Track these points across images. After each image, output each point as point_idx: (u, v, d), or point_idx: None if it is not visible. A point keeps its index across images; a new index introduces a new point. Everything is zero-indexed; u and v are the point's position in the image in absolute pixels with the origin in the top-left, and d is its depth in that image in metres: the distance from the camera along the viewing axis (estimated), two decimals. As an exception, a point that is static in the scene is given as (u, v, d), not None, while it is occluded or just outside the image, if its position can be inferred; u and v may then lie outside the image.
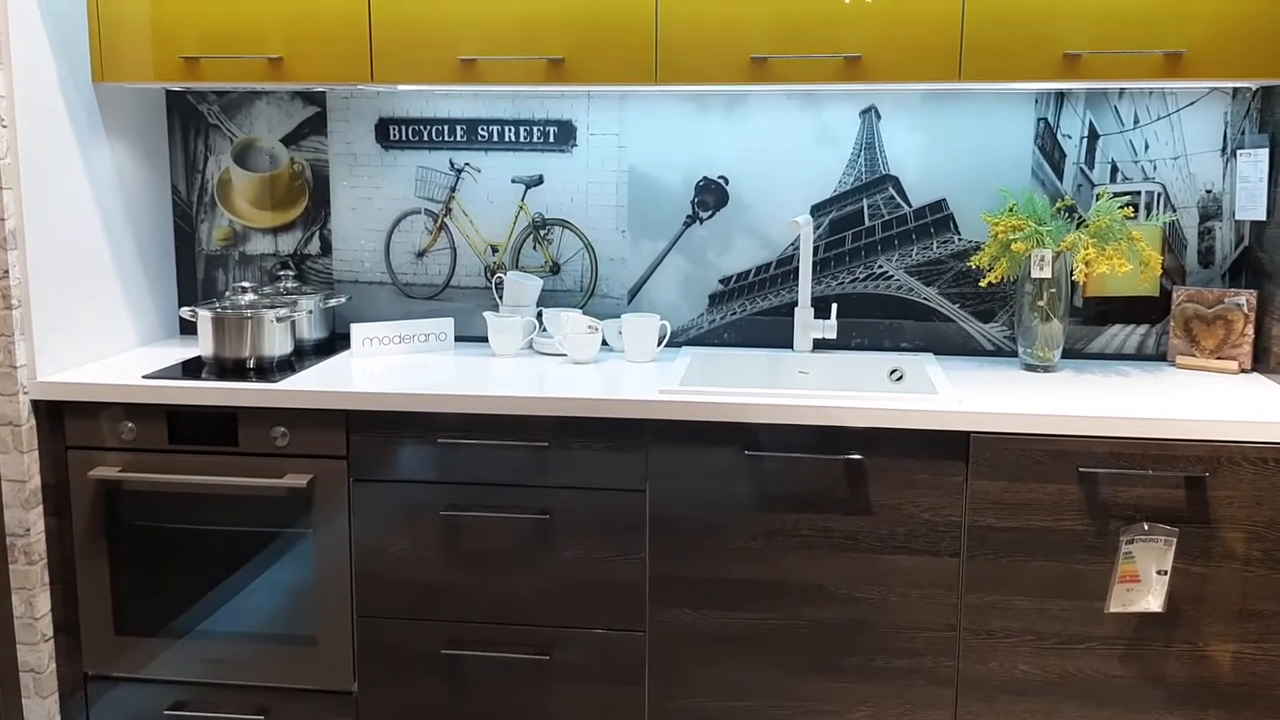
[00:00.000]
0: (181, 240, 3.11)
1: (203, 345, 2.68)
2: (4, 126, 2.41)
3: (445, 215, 3.02)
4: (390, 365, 2.72)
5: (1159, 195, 2.76)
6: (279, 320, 2.68)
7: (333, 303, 2.95)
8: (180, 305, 3.10)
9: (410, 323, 2.87)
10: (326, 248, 3.07)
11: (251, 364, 2.65)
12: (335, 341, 2.95)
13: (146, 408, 2.52)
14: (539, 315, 2.91)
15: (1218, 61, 2.37)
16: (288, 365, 2.69)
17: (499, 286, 2.96)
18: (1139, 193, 2.76)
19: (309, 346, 2.88)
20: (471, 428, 2.44)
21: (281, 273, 2.96)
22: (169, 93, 3.04)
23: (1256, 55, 2.36)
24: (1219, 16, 2.35)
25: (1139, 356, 2.82)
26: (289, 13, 2.59)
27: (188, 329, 3.05)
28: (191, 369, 2.66)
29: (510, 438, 2.44)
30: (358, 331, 2.81)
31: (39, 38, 2.52)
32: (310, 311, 2.87)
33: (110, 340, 2.81)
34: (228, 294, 2.77)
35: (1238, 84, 2.57)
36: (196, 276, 3.12)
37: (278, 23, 2.60)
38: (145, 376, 2.58)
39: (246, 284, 2.76)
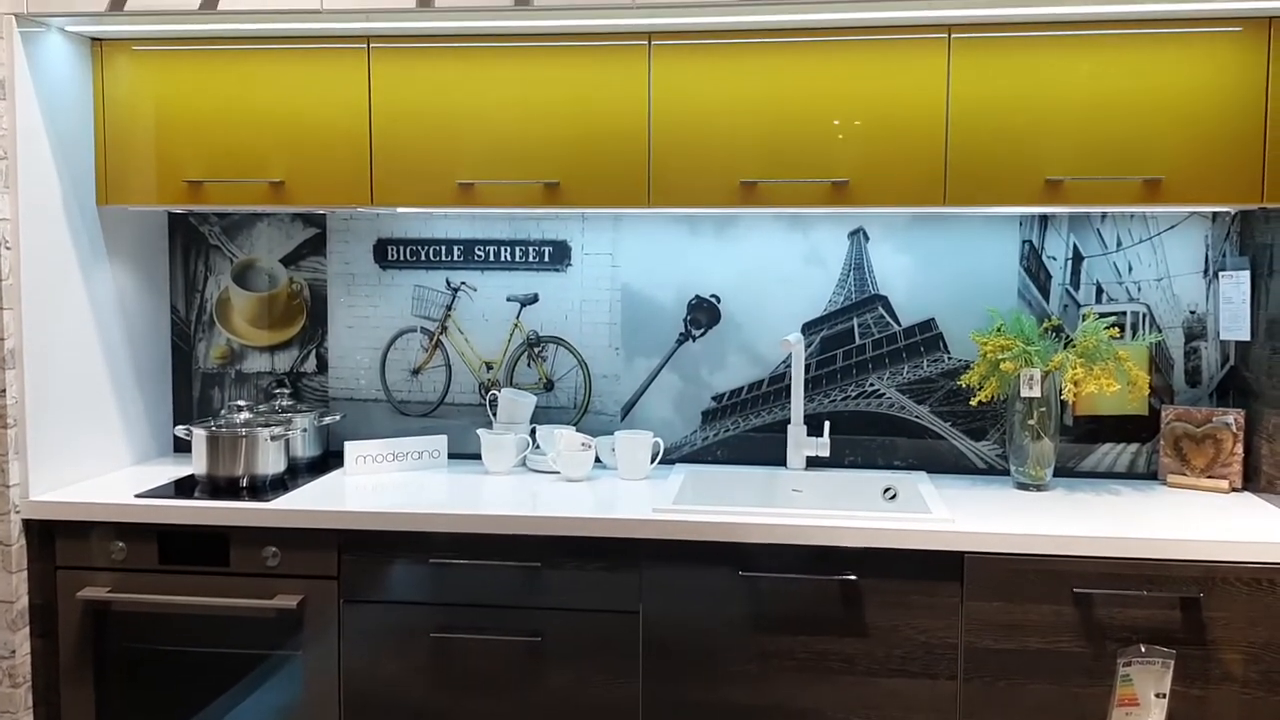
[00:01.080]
0: (179, 359, 3.13)
1: (196, 463, 2.68)
2: (7, 248, 2.46)
3: (441, 333, 3.05)
4: (383, 483, 2.72)
5: (1144, 316, 2.81)
6: (273, 439, 2.68)
7: (327, 420, 2.96)
8: (175, 423, 3.11)
9: (404, 440, 2.88)
10: (323, 365, 3.09)
11: (245, 482, 2.65)
12: (329, 459, 2.95)
13: (137, 527, 2.51)
14: (532, 432, 2.92)
15: (1195, 187, 2.43)
16: (281, 484, 2.69)
17: (493, 404, 2.98)
18: (1124, 313, 2.81)
19: (303, 464, 2.89)
20: (463, 547, 2.44)
21: (277, 391, 2.98)
22: (171, 215, 3.10)
23: (1232, 181, 2.43)
24: (1194, 144, 2.43)
25: (1130, 475, 2.83)
26: (291, 138, 2.66)
27: (182, 447, 3.05)
28: (184, 488, 2.66)
29: (502, 558, 2.43)
30: (351, 449, 2.82)
31: (46, 162, 2.58)
32: (305, 429, 2.89)
33: (104, 458, 2.81)
34: (223, 412, 2.78)
35: (1216, 208, 2.64)
36: (192, 395, 3.14)
37: (280, 147, 2.67)
38: (137, 495, 2.57)
39: (242, 402, 2.78)
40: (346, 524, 2.45)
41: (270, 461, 2.69)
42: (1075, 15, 2.42)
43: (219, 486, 2.65)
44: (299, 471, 2.83)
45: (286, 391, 2.98)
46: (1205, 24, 2.42)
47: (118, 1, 2.52)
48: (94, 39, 2.72)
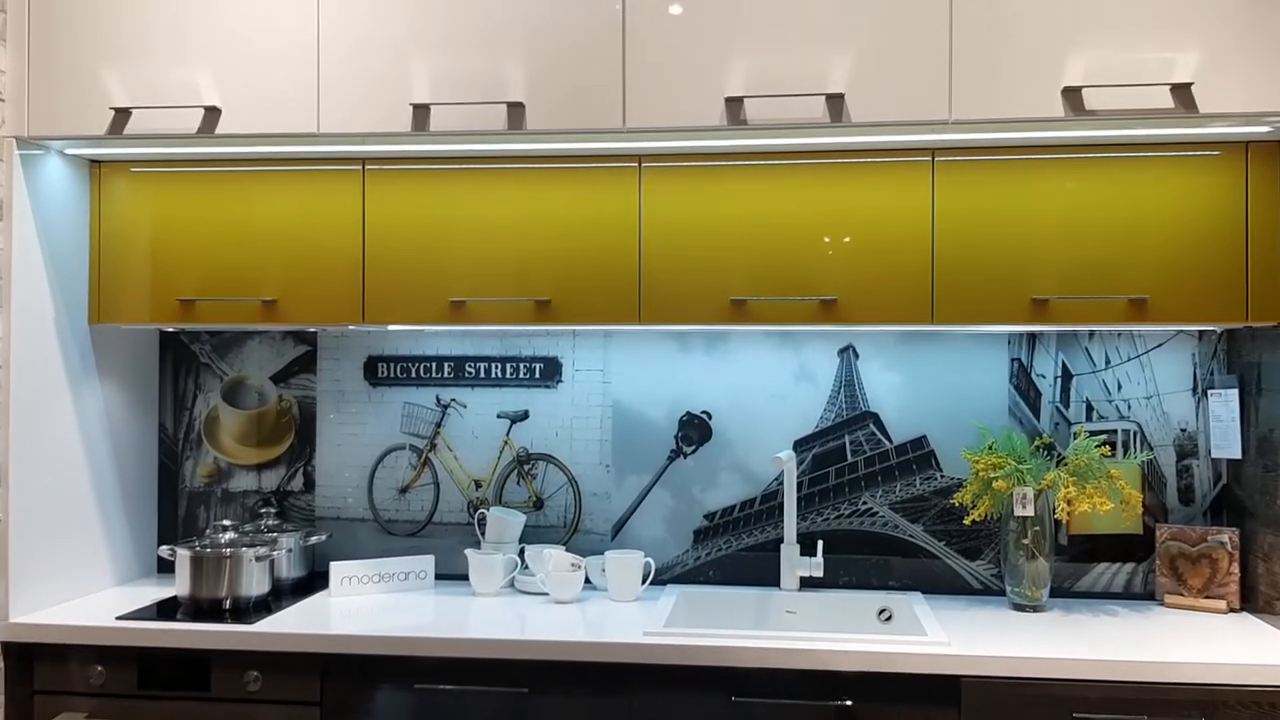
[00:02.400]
0: (165, 477, 3.11)
1: (179, 585, 2.64)
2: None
3: (430, 451, 3.03)
4: (368, 605, 2.67)
5: (1135, 434, 2.80)
6: (258, 559, 2.64)
7: (313, 540, 2.92)
8: (160, 543, 3.06)
9: (390, 561, 2.84)
10: (310, 484, 3.07)
11: (228, 604, 2.60)
12: (315, 580, 2.91)
13: (117, 650, 2.46)
14: (521, 552, 2.88)
15: (1180, 306, 2.46)
16: (264, 605, 2.64)
17: (481, 523, 2.94)
18: (1115, 431, 2.80)
19: (287, 585, 2.84)
20: (449, 673, 2.38)
21: (263, 510, 2.95)
22: (163, 333, 3.11)
23: (1216, 300, 2.45)
24: (1178, 264, 2.46)
25: (1127, 595, 2.79)
26: (285, 257, 2.69)
27: (166, 567, 3.01)
28: (166, 609, 2.61)
29: (489, 683, 2.37)
30: (336, 570, 2.77)
31: (40, 281, 2.60)
32: (290, 550, 2.84)
33: (87, 579, 2.77)
34: (208, 532, 2.75)
35: (1202, 327, 2.66)
36: (178, 514, 3.10)
37: (273, 266, 2.69)
38: (118, 618, 2.52)
39: (227, 521, 2.75)
40: (329, 648, 2.40)
41: (254, 583, 2.64)
42: (1056, 140, 2.48)
43: (201, 608, 2.60)
44: (283, 593, 2.78)
45: (272, 511, 2.95)
46: (1184, 148, 2.47)
47: (118, 125, 2.57)
48: (93, 160, 2.76)
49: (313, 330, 3.06)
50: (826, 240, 2.55)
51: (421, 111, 2.50)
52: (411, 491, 3.04)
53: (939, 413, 2.87)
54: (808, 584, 2.86)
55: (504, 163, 2.65)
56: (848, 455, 2.91)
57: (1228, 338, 2.76)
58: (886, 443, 2.89)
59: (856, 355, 2.91)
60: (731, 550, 2.94)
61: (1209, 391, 2.74)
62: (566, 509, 3.00)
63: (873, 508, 2.89)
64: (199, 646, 2.44)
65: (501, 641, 2.36)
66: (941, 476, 2.87)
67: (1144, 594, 2.79)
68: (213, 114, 2.55)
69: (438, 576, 2.94)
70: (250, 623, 2.48)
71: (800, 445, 2.93)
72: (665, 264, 2.60)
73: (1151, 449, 2.80)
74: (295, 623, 2.49)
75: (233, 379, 3.10)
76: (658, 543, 2.96)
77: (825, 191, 2.56)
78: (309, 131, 2.53)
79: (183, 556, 2.63)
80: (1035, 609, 2.64)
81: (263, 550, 2.67)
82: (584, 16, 2.46)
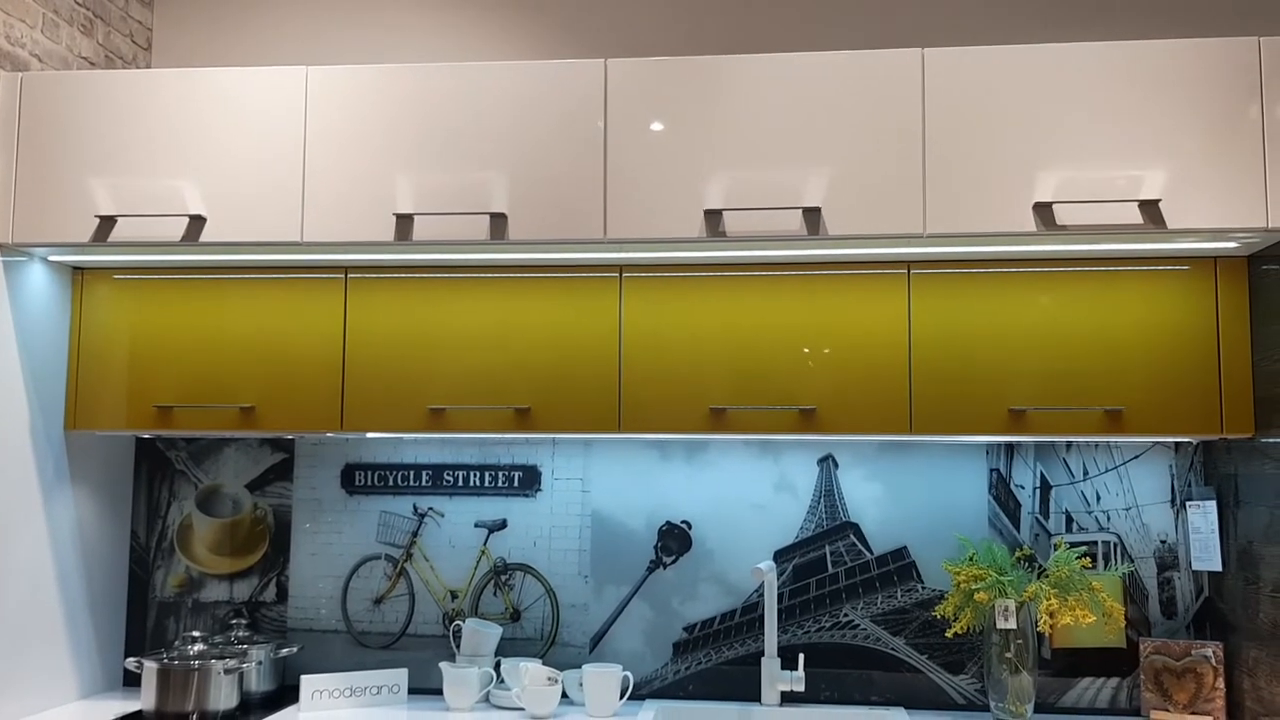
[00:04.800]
0: (135, 586, 3.05)
1: (145, 698, 2.57)
2: (-32, 474, 2.43)
3: (405, 560, 2.99)
4: (340, 721, 2.61)
5: (1115, 545, 2.80)
6: (226, 672, 2.58)
7: (284, 652, 2.85)
8: (128, 654, 3.00)
9: (362, 674, 2.77)
10: (283, 594, 3.01)
11: (194, 719, 2.53)
12: (285, 693, 2.83)
13: (76, 769, 2.38)
14: (497, 665, 2.82)
15: (1155, 418, 2.48)
16: (232, 720, 2.57)
17: (456, 635, 2.89)
18: (1095, 542, 2.80)
19: (256, 699, 2.77)
20: (421, 792, 2.31)
21: (234, 621, 2.89)
22: (138, 439, 3.08)
23: (1191, 412, 2.48)
24: (1152, 376, 2.49)
25: (1112, 711, 2.75)
26: (264, 364, 2.69)
27: (132, 680, 2.93)
28: (130, 725, 2.54)
29: (462, 803, 2.30)
30: (307, 684, 2.70)
31: (17, 386, 2.58)
32: (260, 662, 2.78)
33: (50, 692, 2.69)
34: (177, 643, 2.69)
35: (1178, 439, 2.68)
36: (147, 625, 3.04)
37: (252, 373, 2.69)
38: (79, 734, 2.45)
39: (197, 633, 2.69)
40: (298, 766, 2.33)
41: (222, 696, 2.58)
42: (1029, 254, 2.53)
43: (167, 724, 2.53)
44: (252, 707, 2.71)
45: (244, 622, 2.89)
46: (1154, 263, 2.52)
47: (102, 233, 2.59)
48: (75, 267, 2.78)
49: (290, 438, 3.04)
50: (805, 350, 2.58)
51: (405, 221, 2.53)
52: (386, 602, 2.99)
53: (919, 523, 2.86)
54: (789, 699, 2.81)
55: (486, 272, 2.67)
56: (828, 566, 2.88)
57: (1204, 449, 2.77)
58: (867, 553, 2.87)
59: (836, 465, 2.91)
60: (711, 663, 2.89)
61: (1187, 503, 2.75)
62: (544, 621, 2.95)
63: (854, 620, 2.86)
64: (162, 764, 2.37)
65: (475, 759, 2.30)
66: (923, 588, 2.84)
67: (1129, 709, 2.74)
68: (197, 222, 2.57)
69: (411, 690, 2.87)
70: (216, 739, 2.41)
71: (780, 556, 2.91)
72: (645, 373, 2.61)
73: (1132, 561, 2.78)
74: (263, 739, 2.43)
75: (208, 487, 3.07)
76: (636, 655, 2.91)
77: (803, 302, 2.60)
78: (292, 240, 2.55)
79: (149, 669, 2.56)
80: (1020, 725, 2.60)
81: (232, 663, 2.60)
82: (566, 130, 2.52)
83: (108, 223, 2.59)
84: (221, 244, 2.57)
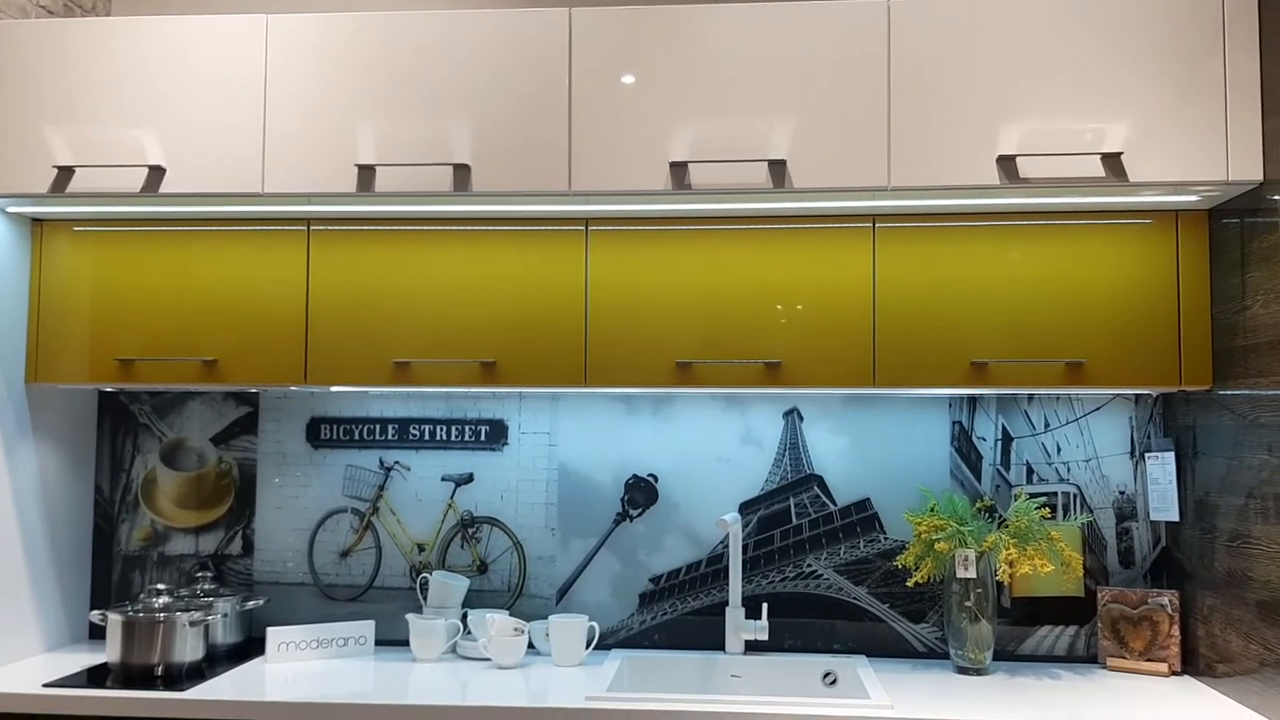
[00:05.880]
0: (100, 540, 3.04)
1: (110, 651, 2.56)
2: (-74, 427, 2.40)
3: (372, 514, 3.00)
4: (306, 672, 2.62)
5: (1075, 496, 2.83)
6: (191, 624, 2.58)
7: (250, 605, 2.86)
8: (93, 607, 2.99)
9: (328, 626, 2.78)
10: (248, 548, 3.01)
11: (160, 671, 2.54)
12: (251, 646, 2.84)
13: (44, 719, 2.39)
14: (464, 617, 2.84)
15: (1116, 370, 2.50)
16: (198, 672, 2.57)
17: (423, 587, 2.90)
18: (1055, 493, 2.83)
19: (223, 651, 2.77)
20: (387, 740, 2.33)
21: (200, 574, 2.89)
22: (101, 393, 3.06)
23: (1150, 365, 2.50)
24: (1113, 329, 2.51)
25: (1070, 658, 2.80)
26: (227, 316, 2.67)
27: (97, 633, 2.94)
28: (96, 677, 2.54)
29: (427, 751, 2.32)
30: (273, 636, 2.71)
31: (-26, 340, 2.56)
32: (226, 615, 2.78)
33: (15, 646, 2.69)
34: (142, 596, 2.68)
35: (1137, 391, 2.71)
36: (112, 578, 3.03)
37: (215, 326, 2.67)
38: (45, 685, 2.45)
39: (162, 586, 2.68)
40: (263, 715, 2.34)
41: (188, 649, 2.58)
42: (993, 207, 2.53)
43: (133, 675, 2.53)
44: (218, 659, 2.71)
45: (209, 575, 2.89)
46: (1117, 216, 2.54)
47: (60, 183, 2.55)
48: (34, 219, 2.74)
49: (254, 391, 3.03)
50: (779, 308, 2.58)
51: (367, 172, 2.51)
52: (353, 555, 3.00)
53: (882, 475, 2.89)
54: (753, 648, 2.84)
55: (450, 224, 2.66)
56: (792, 518, 2.91)
57: (1163, 401, 2.81)
58: (831, 505, 2.90)
59: (801, 418, 2.92)
60: (677, 614, 2.92)
61: (1146, 455, 2.78)
62: (511, 573, 2.96)
63: (817, 570, 2.89)
64: (129, 715, 2.37)
65: (441, 708, 2.32)
66: (885, 539, 2.87)
67: (1087, 657, 2.80)
68: (157, 173, 2.55)
69: (378, 642, 2.89)
70: (182, 690, 2.41)
71: (746, 508, 2.93)
72: (611, 326, 2.61)
73: (1091, 511, 2.82)
74: (229, 690, 2.43)
75: (172, 440, 3.05)
76: (603, 607, 2.93)
77: (769, 256, 2.60)
78: (253, 191, 2.53)
79: (114, 621, 2.56)
80: (979, 672, 2.64)
81: (197, 615, 2.61)
82: (530, 80, 2.50)
83: (66, 173, 2.56)
84: (182, 195, 2.55)
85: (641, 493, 2.96)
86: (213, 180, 2.54)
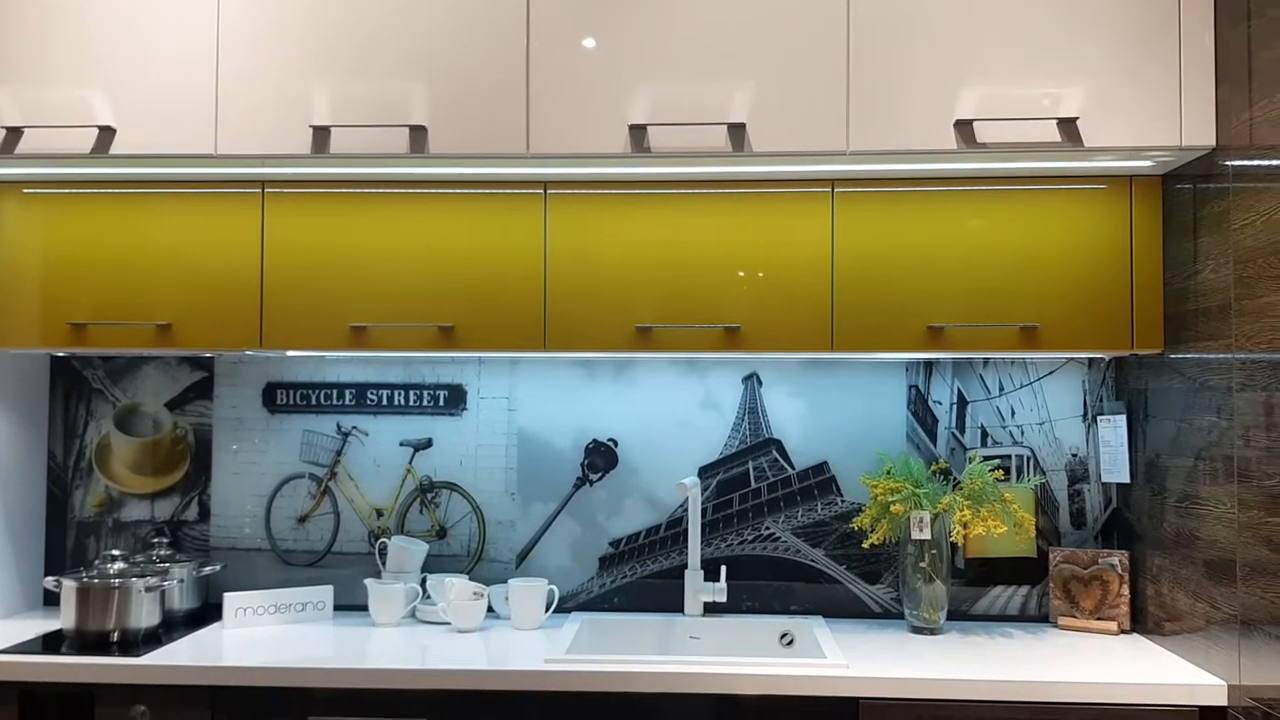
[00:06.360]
0: (53, 507, 3.01)
1: (64, 617, 2.54)
2: None
3: (330, 479, 2.98)
4: (263, 637, 2.61)
5: (1028, 459, 2.87)
6: (147, 590, 2.57)
7: (207, 571, 2.84)
8: (47, 574, 2.96)
9: (287, 591, 2.77)
10: (205, 514, 2.99)
11: (115, 637, 2.52)
12: (208, 612, 2.83)
13: (-4, 686, 2.37)
14: (423, 582, 2.84)
15: (1069, 335, 2.53)
16: (154, 638, 2.56)
17: (382, 552, 2.90)
18: (1009, 456, 2.87)
19: (179, 617, 2.76)
20: (345, 704, 2.33)
21: (155, 540, 2.87)
22: (54, 358, 3.02)
23: (1103, 329, 2.54)
24: (1067, 293, 2.54)
25: (1022, 617, 2.85)
26: (180, 280, 2.63)
27: (52, 600, 2.91)
28: (51, 643, 2.52)
29: (386, 714, 2.32)
30: (230, 601, 2.70)
31: (-80, 304, 2.51)
32: (182, 580, 2.77)
33: (-36, 613, 2.66)
34: (97, 562, 2.66)
35: (1090, 355, 2.74)
36: (66, 545, 3.00)
37: (168, 290, 2.64)
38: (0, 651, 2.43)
39: (117, 551, 2.66)
40: (220, 680, 2.33)
41: (143, 614, 2.56)
42: (950, 173, 2.55)
43: (88, 641, 2.51)
44: (175, 625, 2.70)
45: (165, 541, 2.87)
46: (1073, 180, 2.56)
47: (9, 144, 2.50)
48: (-20, 180, 2.69)
49: (209, 356, 3.00)
50: (734, 271, 2.58)
51: (321, 133, 2.48)
52: (310, 521, 2.98)
53: (840, 439, 2.91)
54: (711, 609, 2.86)
55: (408, 187, 2.63)
56: (751, 481, 2.93)
57: (1116, 365, 2.84)
58: (789, 469, 2.92)
59: (760, 383, 2.94)
60: (636, 577, 2.93)
61: (1098, 418, 2.82)
62: (470, 538, 2.96)
63: (775, 533, 2.91)
64: (83, 680, 2.36)
65: (400, 671, 2.32)
66: (842, 501, 2.90)
67: (1038, 616, 2.85)
68: (107, 134, 2.50)
69: (337, 607, 2.88)
70: (138, 655, 2.40)
71: (705, 472, 2.94)
72: (571, 291, 2.60)
73: (1044, 474, 2.86)
74: (185, 655, 2.42)
75: (126, 405, 3.02)
76: (563, 570, 2.94)
77: (729, 221, 2.60)
78: (206, 152, 2.50)
79: (68, 587, 2.54)
80: (933, 631, 2.68)
81: (153, 581, 2.59)
82: (488, 41, 2.47)
83: (14, 134, 2.51)
84: (133, 156, 2.51)
85: (601, 457, 2.96)
86: (164, 141, 2.50)
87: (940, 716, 2.26)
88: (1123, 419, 2.73)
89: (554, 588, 2.78)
